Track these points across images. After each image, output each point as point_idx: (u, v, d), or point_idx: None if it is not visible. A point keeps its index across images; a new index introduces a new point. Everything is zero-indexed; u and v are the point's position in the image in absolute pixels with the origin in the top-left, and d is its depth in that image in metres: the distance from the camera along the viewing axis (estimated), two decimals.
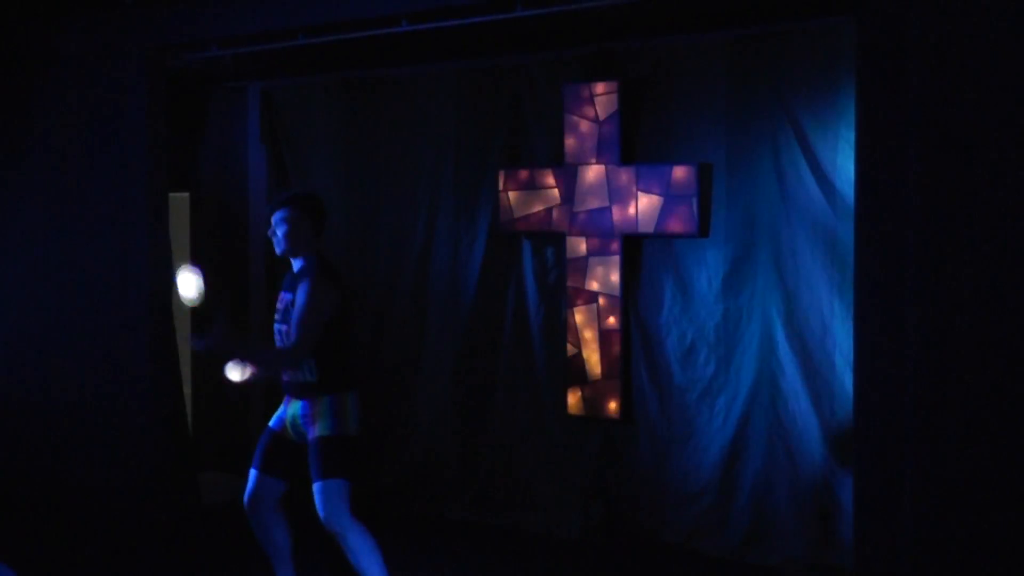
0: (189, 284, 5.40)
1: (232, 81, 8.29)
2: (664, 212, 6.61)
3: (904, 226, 4.74)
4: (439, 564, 6.51)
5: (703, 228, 6.57)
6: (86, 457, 7.54)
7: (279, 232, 5.37)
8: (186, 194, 8.53)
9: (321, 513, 5.21)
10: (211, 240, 8.52)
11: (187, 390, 8.17)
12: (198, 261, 8.54)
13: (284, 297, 5.40)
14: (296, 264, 5.41)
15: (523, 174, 7.13)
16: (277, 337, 5.43)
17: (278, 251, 5.42)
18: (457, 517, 7.40)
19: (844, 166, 6.03)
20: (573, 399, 7.00)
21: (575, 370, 6.98)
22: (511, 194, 7.15)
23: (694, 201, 6.52)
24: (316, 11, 6.65)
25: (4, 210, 7.89)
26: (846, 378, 6.01)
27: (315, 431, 5.29)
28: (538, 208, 7.07)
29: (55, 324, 7.67)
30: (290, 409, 5.43)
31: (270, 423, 5.54)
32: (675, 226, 6.60)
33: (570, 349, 7.01)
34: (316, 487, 5.23)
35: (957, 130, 4.59)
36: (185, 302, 5.46)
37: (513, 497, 7.29)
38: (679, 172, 6.56)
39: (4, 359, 7.93)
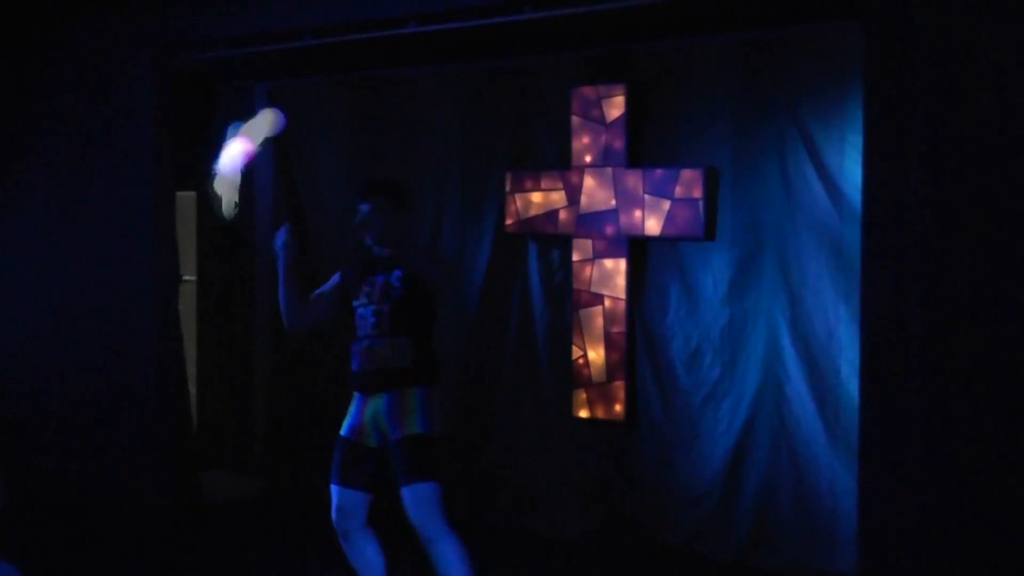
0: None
1: (239, 81, 8.30)
2: (670, 215, 6.61)
3: (911, 231, 4.73)
4: None
5: (709, 232, 6.56)
6: (90, 454, 7.54)
7: (372, 223, 5.20)
8: (192, 193, 8.53)
9: (414, 518, 4.94)
10: (218, 239, 8.53)
11: (192, 388, 8.18)
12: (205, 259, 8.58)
13: (376, 279, 5.17)
14: (383, 250, 5.24)
15: (529, 176, 7.13)
16: (365, 322, 5.16)
17: (369, 241, 5.25)
18: (459, 518, 7.37)
19: (851, 171, 6.02)
20: (577, 401, 7.00)
21: (580, 372, 6.98)
22: (517, 196, 7.15)
23: (700, 205, 6.52)
24: (324, 12, 6.65)
25: (10, 208, 7.91)
26: (851, 383, 5.99)
27: (403, 428, 5.04)
28: (544, 210, 7.06)
29: (60, 321, 7.68)
30: (368, 408, 5.14)
31: (342, 432, 5.22)
32: (681, 229, 6.60)
33: (575, 351, 7.00)
34: (406, 491, 4.96)
35: (964, 135, 4.59)
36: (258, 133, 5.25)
37: (516, 498, 7.29)
38: (686, 175, 6.56)
39: (9, 356, 7.94)
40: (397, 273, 5.13)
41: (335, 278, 5.43)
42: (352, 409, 5.24)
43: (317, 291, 5.46)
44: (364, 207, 5.23)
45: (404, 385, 5.09)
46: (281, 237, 5.32)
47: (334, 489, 5.19)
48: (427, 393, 5.12)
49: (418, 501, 4.95)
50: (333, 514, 5.19)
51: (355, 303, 5.24)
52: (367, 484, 5.17)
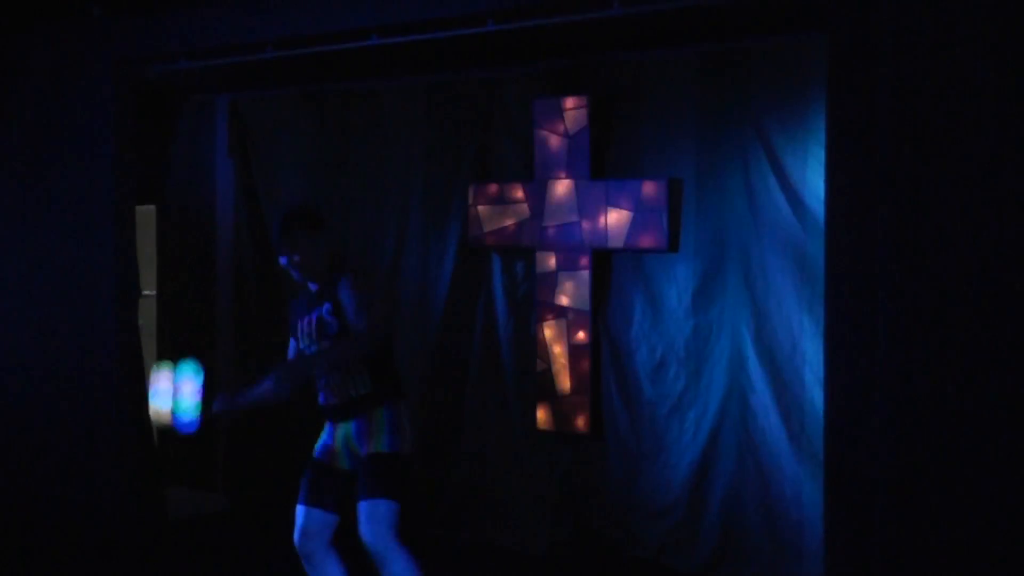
0: None
1: (200, 93, 8.24)
2: (634, 227, 6.61)
3: (874, 242, 4.74)
4: None
5: (673, 243, 6.57)
6: (50, 471, 7.45)
7: (295, 259, 5.07)
8: (153, 207, 8.47)
9: (366, 535, 4.89)
10: (178, 253, 8.47)
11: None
12: (165, 274, 8.51)
13: (310, 319, 5.10)
14: (314, 285, 5.14)
15: (493, 188, 7.12)
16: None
17: (298, 278, 5.15)
18: (426, 532, 7.36)
19: (813, 182, 6.04)
20: (542, 414, 6.99)
21: (544, 385, 6.97)
22: (480, 208, 7.14)
23: (664, 216, 6.52)
24: (286, 24, 6.61)
25: None
26: (816, 394, 6.01)
27: (370, 447, 5.01)
28: (508, 222, 7.05)
29: (19, 337, 7.59)
30: (339, 431, 5.13)
31: (314, 454, 5.21)
32: (645, 241, 6.60)
33: (539, 364, 6.99)
34: (363, 506, 4.92)
35: (928, 147, 4.61)
36: None
37: (482, 512, 7.27)
38: (649, 187, 6.56)
39: None
40: (327, 307, 5.03)
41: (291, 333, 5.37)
42: (324, 433, 5.23)
43: (290, 353, 5.39)
44: (283, 260, 5.11)
45: (370, 408, 5.06)
46: (221, 407, 5.22)
47: (300, 510, 5.12)
48: (394, 411, 5.07)
49: (373, 517, 4.90)
50: (296, 536, 5.12)
51: (301, 346, 5.20)
52: (335, 505, 5.12)
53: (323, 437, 5.22)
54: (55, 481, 7.44)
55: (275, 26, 6.64)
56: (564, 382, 6.90)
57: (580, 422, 6.86)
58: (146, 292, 8.37)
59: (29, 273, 7.53)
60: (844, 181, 4.85)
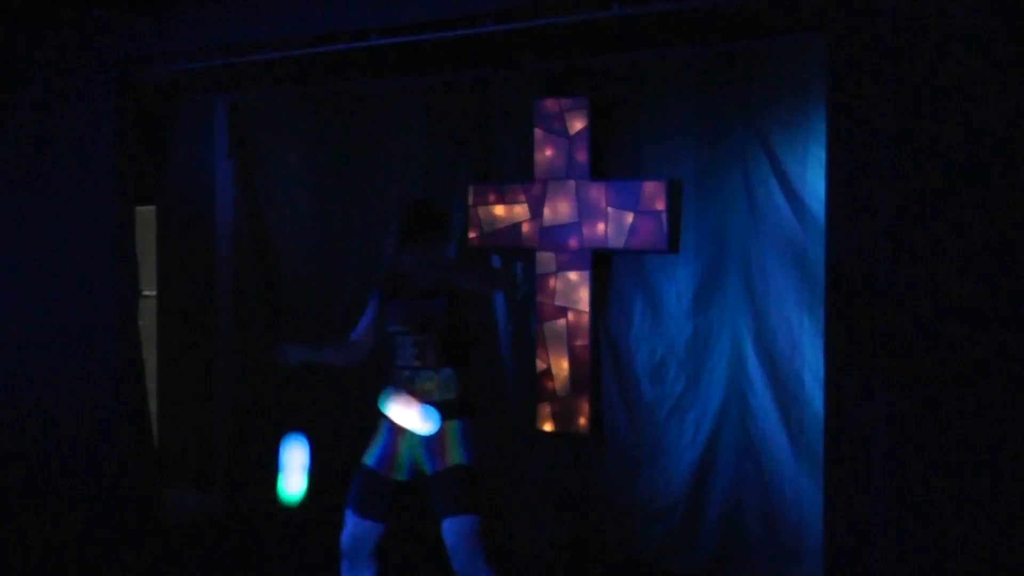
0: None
1: (200, 94, 8.24)
2: (634, 228, 6.61)
3: (874, 242, 4.75)
4: None
5: (673, 244, 6.57)
6: (49, 472, 7.46)
7: (425, 258, 4.92)
8: (152, 207, 8.47)
9: (454, 553, 4.81)
10: (178, 253, 8.46)
11: (153, 405, 8.10)
12: (165, 274, 8.50)
13: (417, 306, 4.92)
14: (422, 278, 4.94)
15: (492, 189, 7.11)
16: (405, 352, 4.93)
17: (411, 271, 4.96)
18: (426, 533, 7.34)
19: (814, 182, 6.04)
20: (542, 415, 6.98)
21: (544, 385, 6.96)
22: (480, 209, 7.13)
23: (664, 217, 6.52)
24: (285, 25, 6.62)
25: None
26: (815, 395, 6.00)
27: (447, 460, 4.88)
28: (507, 223, 7.05)
29: (18, 337, 7.60)
30: (404, 440, 4.96)
31: (368, 462, 5.06)
32: (645, 242, 6.60)
33: (539, 364, 6.98)
34: (451, 524, 4.82)
35: (927, 146, 4.61)
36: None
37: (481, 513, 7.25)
38: (649, 188, 6.56)
39: None
40: (440, 301, 4.89)
41: (373, 302, 5.22)
42: (382, 439, 5.06)
43: (363, 321, 5.23)
44: (407, 258, 4.93)
45: (446, 418, 4.92)
46: (292, 356, 5.04)
47: (351, 518, 5.04)
48: (468, 424, 4.96)
49: (461, 535, 4.82)
50: (345, 539, 5.03)
51: (392, 329, 4.99)
52: (385, 516, 5.04)
53: (380, 446, 5.05)
54: (55, 480, 7.45)
55: (275, 26, 6.65)
56: (564, 383, 6.89)
57: (580, 423, 6.85)
58: (146, 292, 8.38)
59: (29, 273, 7.54)
60: (844, 181, 4.86)
